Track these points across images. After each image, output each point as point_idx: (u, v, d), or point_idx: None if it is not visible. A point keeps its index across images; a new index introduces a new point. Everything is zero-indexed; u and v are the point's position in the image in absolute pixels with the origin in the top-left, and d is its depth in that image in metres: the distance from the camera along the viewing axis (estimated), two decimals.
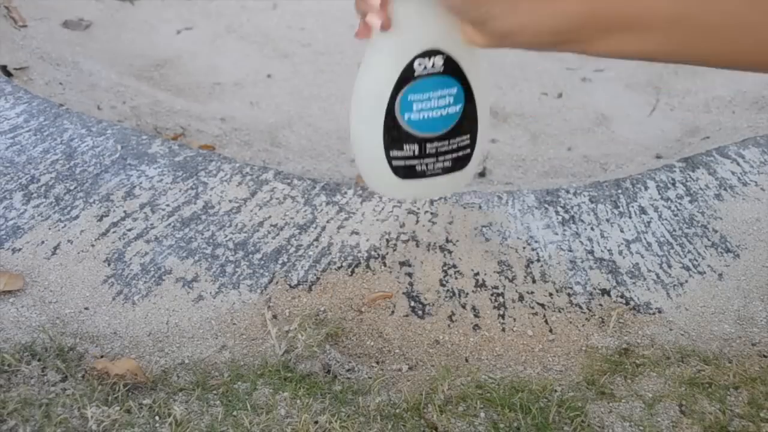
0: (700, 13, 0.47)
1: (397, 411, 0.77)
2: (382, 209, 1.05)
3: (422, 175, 0.64)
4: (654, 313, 0.92)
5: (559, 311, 0.92)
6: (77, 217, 1.01)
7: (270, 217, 1.04)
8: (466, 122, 0.62)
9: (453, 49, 0.59)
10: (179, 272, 0.95)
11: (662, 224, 1.06)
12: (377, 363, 0.85)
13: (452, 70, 0.60)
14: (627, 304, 0.93)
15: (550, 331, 0.90)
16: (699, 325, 0.91)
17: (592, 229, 1.05)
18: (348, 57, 2.03)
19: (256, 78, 1.91)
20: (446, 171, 0.64)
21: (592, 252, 1.01)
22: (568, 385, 0.82)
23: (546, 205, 1.09)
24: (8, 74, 1.50)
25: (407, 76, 0.59)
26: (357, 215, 1.05)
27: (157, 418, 0.74)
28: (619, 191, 1.13)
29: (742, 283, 0.97)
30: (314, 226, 1.03)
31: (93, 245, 0.97)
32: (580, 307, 0.93)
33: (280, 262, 0.97)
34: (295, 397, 0.77)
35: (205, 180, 1.10)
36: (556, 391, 0.80)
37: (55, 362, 0.79)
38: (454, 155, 0.64)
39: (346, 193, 1.09)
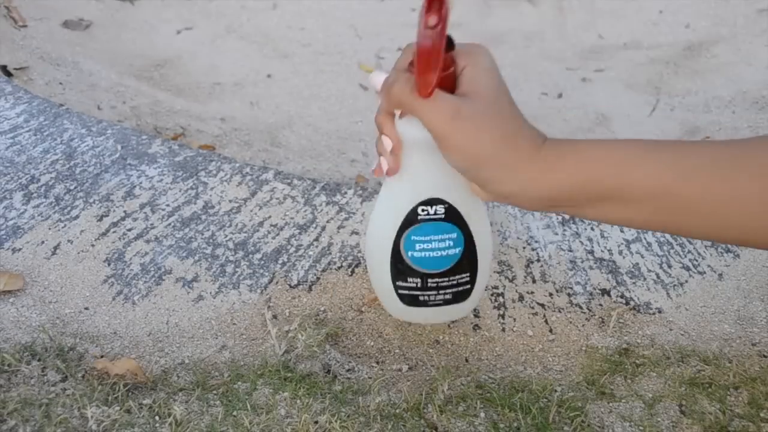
0: (677, 191, 0.50)
1: (397, 411, 0.77)
2: None
3: (425, 304, 0.69)
4: (654, 313, 0.92)
5: (559, 311, 0.92)
6: (77, 217, 1.01)
7: (270, 217, 1.04)
8: (466, 262, 0.66)
9: (455, 198, 0.63)
10: (179, 272, 0.95)
11: None
12: (377, 363, 0.85)
13: (453, 217, 0.63)
14: (627, 304, 0.93)
15: (550, 331, 0.90)
16: (699, 325, 0.91)
17: (592, 229, 1.05)
18: (348, 57, 2.03)
19: (256, 78, 1.91)
20: (447, 303, 0.69)
21: (592, 252, 1.01)
22: (568, 385, 0.82)
23: None
24: (8, 74, 1.50)
25: (411, 219, 0.63)
26: (357, 215, 1.05)
27: (157, 418, 0.74)
28: None
29: (742, 283, 0.97)
30: (314, 226, 1.03)
31: (93, 245, 0.97)
32: (580, 307, 0.93)
33: (280, 262, 0.97)
34: (295, 397, 0.77)
35: (205, 180, 1.10)
36: (556, 391, 0.80)
37: (55, 362, 0.79)
38: (455, 290, 0.68)
39: (346, 193, 1.09)
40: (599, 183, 0.52)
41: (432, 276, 0.66)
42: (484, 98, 0.54)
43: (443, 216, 0.63)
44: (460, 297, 0.68)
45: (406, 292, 0.68)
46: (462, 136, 0.53)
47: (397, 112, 0.59)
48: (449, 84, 0.55)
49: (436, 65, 0.52)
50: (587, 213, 0.55)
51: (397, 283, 0.67)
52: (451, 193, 0.62)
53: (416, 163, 0.61)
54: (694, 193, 0.49)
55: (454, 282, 0.67)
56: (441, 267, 0.66)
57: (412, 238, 0.64)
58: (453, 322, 0.90)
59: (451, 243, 0.64)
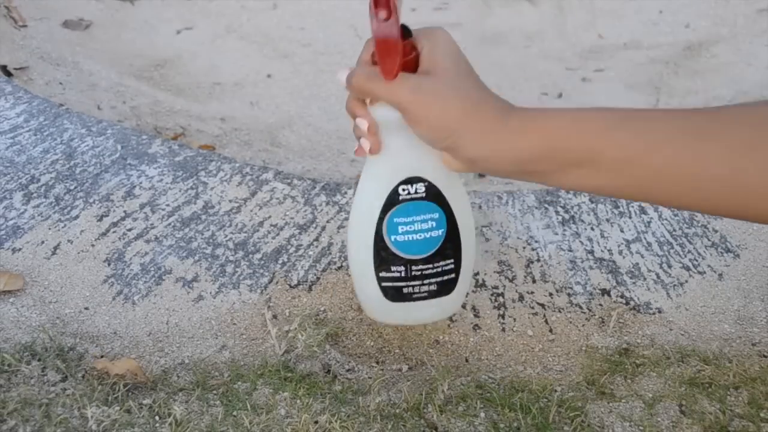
0: (643, 159, 0.51)
1: (397, 411, 0.77)
2: None
3: (409, 297, 0.68)
4: (654, 313, 0.92)
5: (559, 311, 0.92)
6: (77, 217, 1.01)
7: (270, 217, 1.04)
8: (450, 247, 0.67)
9: (434, 176, 0.64)
10: (179, 272, 0.95)
11: (662, 224, 1.06)
12: (377, 363, 0.85)
13: (434, 196, 0.64)
14: (627, 304, 0.93)
15: (550, 331, 0.90)
16: (699, 325, 0.91)
17: (592, 229, 1.05)
18: (348, 57, 2.03)
19: (256, 78, 1.91)
20: (432, 295, 0.69)
21: (592, 252, 1.01)
22: (568, 385, 0.82)
23: (546, 205, 1.09)
24: (8, 74, 1.50)
25: (393, 199, 0.64)
26: None
27: (157, 418, 0.74)
28: None
29: (742, 283, 0.97)
30: (314, 226, 1.03)
31: (93, 245, 0.97)
32: (580, 307, 0.93)
33: (280, 262, 0.97)
34: (295, 397, 0.77)
35: (205, 180, 1.10)
36: (556, 391, 0.80)
37: (55, 362, 0.79)
38: (439, 279, 0.68)
39: (346, 193, 1.09)
40: (568, 149, 0.53)
41: (416, 263, 0.66)
42: (444, 72, 0.56)
43: (424, 195, 0.64)
44: (445, 288, 0.68)
45: (389, 284, 0.67)
46: (425, 108, 0.55)
47: (368, 100, 0.61)
48: (411, 68, 0.57)
49: (396, 51, 0.55)
50: (560, 180, 0.55)
51: (381, 274, 0.67)
52: (430, 172, 0.63)
53: (393, 144, 0.62)
54: (663, 164, 0.50)
55: (438, 269, 0.67)
56: (425, 251, 0.66)
57: (395, 220, 0.64)
58: (451, 321, 0.90)
59: (434, 224, 0.65)
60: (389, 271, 0.67)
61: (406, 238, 0.65)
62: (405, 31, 0.58)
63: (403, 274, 0.67)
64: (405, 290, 0.67)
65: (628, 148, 0.51)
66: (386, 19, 0.55)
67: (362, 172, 0.67)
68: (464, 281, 0.70)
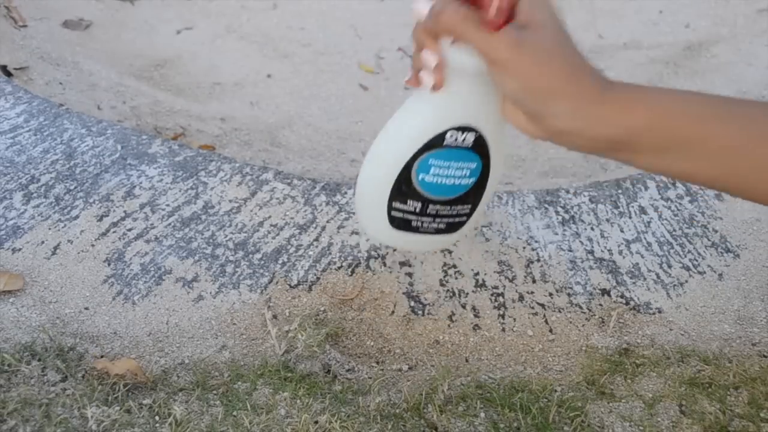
0: (748, 149, 0.48)
1: (397, 411, 0.77)
2: None
3: (415, 230, 0.65)
4: (654, 313, 0.92)
5: (559, 311, 0.92)
6: (77, 217, 1.01)
7: (270, 217, 1.04)
8: (473, 194, 0.63)
9: (487, 129, 0.59)
10: (179, 272, 0.95)
11: (662, 224, 1.06)
12: (377, 363, 0.85)
13: (479, 147, 0.60)
14: (627, 304, 0.93)
15: (550, 331, 0.90)
16: (699, 325, 0.91)
17: (592, 229, 1.05)
18: (348, 57, 2.03)
19: (256, 78, 1.91)
20: (438, 232, 0.65)
21: (592, 252, 1.01)
22: (568, 385, 0.82)
23: (546, 205, 1.09)
24: (8, 74, 1.50)
25: (436, 141, 0.59)
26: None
27: (157, 418, 0.74)
28: (619, 191, 1.13)
29: (742, 283, 0.97)
30: (314, 226, 1.03)
31: (93, 245, 0.97)
32: (580, 307, 0.93)
33: (280, 262, 0.97)
34: (295, 397, 0.77)
35: (205, 180, 1.10)
36: (556, 391, 0.80)
37: (55, 362, 0.79)
38: (451, 220, 0.64)
39: (346, 193, 1.09)
40: (673, 131, 0.49)
41: (435, 203, 0.63)
42: (545, 29, 0.50)
43: (470, 145, 0.60)
44: (453, 228, 0.65)
45: (399, 215, 0.64)
46: (526, 66, 0.50)
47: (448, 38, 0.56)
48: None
49: (507, 1, 0.50)
50: (651, 162, 0.52)
51: (394, 203, 0.63)
52: (485, 124, 0.59)
53: (455, 86, 0.57)
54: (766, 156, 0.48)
55: (455, 212, 0.64)
56: (448, 195, 0.62)
57: (431, 161, 0.60)
58: (451, 321, 0.90)
59: (468, 173, 0.61)
60: (404, 203, 0.63)
61: (435, 180, 0.61)
62: None
63: (417, 210, 0.63)
64: (414, 223, 0.64)
65: (736, 136, 0.48)
66: None
67: (410, 98, 0.61)
68: (473, 222, 0.66)
